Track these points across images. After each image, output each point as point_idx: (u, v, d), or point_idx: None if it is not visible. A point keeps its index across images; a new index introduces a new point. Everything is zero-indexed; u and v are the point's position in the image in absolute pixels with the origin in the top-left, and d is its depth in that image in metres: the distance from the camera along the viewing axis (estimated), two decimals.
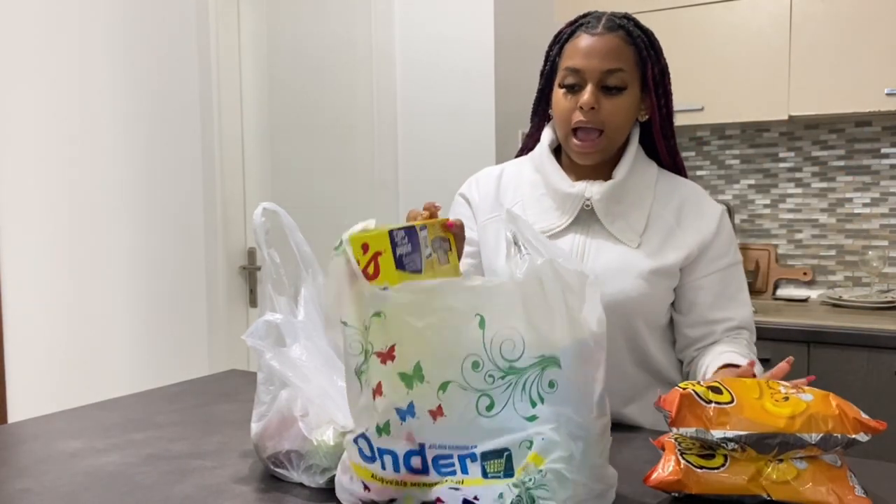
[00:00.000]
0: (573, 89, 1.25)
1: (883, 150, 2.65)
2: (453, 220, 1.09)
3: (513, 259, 0.89)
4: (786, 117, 2.47)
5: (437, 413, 0.87)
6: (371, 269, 0.89)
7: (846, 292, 2.59)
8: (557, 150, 1.37)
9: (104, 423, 1.31)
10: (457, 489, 0.87)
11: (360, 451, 0.91)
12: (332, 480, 0.97)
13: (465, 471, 0.87)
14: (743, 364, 1.14)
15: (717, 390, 0.92)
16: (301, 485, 1.01)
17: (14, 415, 2.43)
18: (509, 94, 2.63)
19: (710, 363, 1.23)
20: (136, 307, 2.83)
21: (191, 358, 3.01)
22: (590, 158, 1.28)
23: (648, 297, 1.27)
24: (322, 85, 2.95)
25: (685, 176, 1.38)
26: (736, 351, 1.24)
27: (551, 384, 0.84)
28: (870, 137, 2.66)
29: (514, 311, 0.85)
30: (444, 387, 0.86)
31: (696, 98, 2.54)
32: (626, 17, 1.28)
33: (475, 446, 0.86)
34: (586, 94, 1.23)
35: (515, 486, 0.84)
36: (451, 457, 0.87)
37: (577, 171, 1.33)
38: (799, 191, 2.78)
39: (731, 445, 0.89)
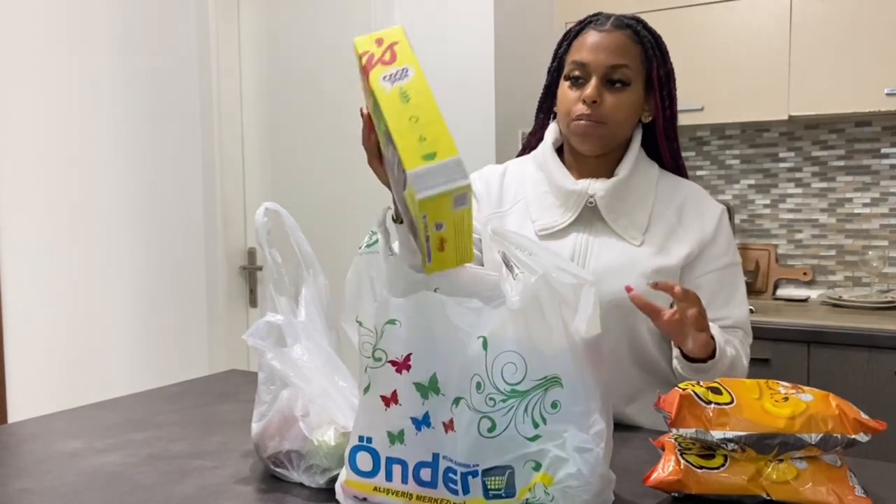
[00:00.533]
0: (578, 82, 1.27)
1: (883, 150, 2.65)
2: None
3: (507, 281, 0.86)
4: (786, 117, 2.47)
5: (448, 427, 0.86)
6: (388, 56, 0.85)
7: (846, 292, 2.58)
8: (560, 150, 1.38)
9: (104, 423, 1.31)
10: None
11: (356, 466, 0.90)
12: (332, 480, 0.97)
13: (466, 490, 0.85)
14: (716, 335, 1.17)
15: (716, 391, 0.92)
16: (301, 485, 1.00)
17: (14, 415, 2.43)
18: (509, 95, 2.63)
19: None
20: (136, 307, 2.83)
21: (191, 358, 3.01)
22: (589, 143, 1.28)
23: (650, 295, 1.27)
24: (322, 85, 2.95)
25: (686, 178, 1.38)
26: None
27: (554, 405, 0.83)
28: (870, 137, 2.66)
29: (515, 335, 0.83)
30: (456, 402, 0.85)
31: (696, 98, 2.54)
32: (636, 18, 1.30)
33: (477, 465, 0.84)
34: (589, 88, 1.25)
35: None
36: (455, 472, 0.86)
37: (580, 170, 1.33)
38: (799, 191, 2.78)
39: (730, 446, 0.89)
